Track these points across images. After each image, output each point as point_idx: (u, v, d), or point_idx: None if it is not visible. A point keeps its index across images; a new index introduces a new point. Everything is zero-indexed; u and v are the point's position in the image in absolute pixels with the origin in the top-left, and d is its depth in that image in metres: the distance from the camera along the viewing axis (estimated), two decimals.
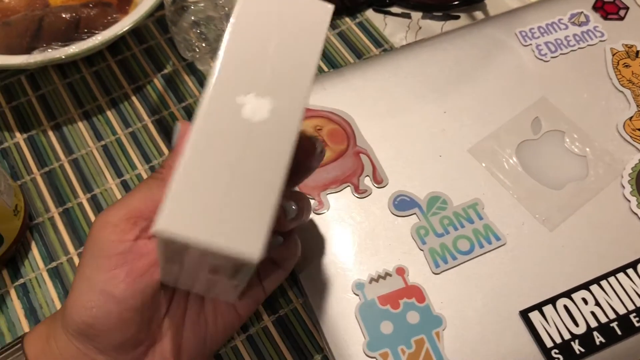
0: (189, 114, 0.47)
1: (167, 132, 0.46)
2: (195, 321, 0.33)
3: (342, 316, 0.35)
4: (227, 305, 0.33)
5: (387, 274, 0.36)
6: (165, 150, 0.45)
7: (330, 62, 0.49)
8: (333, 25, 0.51)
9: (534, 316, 0.35)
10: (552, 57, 0.45)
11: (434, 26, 0.51)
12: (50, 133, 0.46)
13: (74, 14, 0.46)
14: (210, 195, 0.21)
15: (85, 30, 0.46)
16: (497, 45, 0.46)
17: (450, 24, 0.51)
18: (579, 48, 0.45)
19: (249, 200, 0.21)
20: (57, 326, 0.30)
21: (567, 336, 0.34)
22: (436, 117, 0.42)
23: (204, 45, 0.48)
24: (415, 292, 0.36)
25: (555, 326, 0.34)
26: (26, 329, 0.38)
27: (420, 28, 0.51)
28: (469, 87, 0.43)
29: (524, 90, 0.43)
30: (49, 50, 0.44)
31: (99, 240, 0.29)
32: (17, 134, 0.46)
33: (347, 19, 0.52)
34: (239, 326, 0.34)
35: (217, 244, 0.20)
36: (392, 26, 0.51)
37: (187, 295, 0.33)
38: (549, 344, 0.34)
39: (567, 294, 0.35)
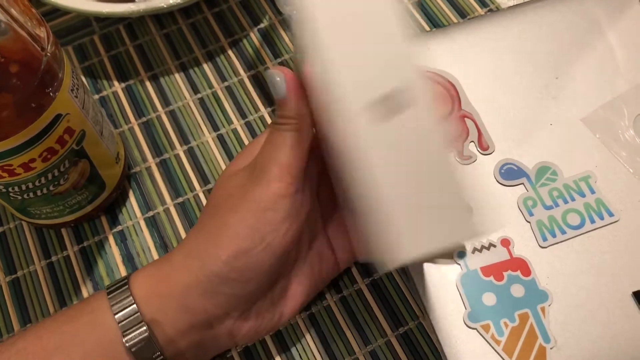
0: None
1: (262, 87, 0.46)
2: (302, 265, 0.34)
3: (442, 285, 0.34)
4: (329, 252, 0.35)
5: (491, 245, 0.35)
6: (261, 106, 0.45)
7: (432, 22, 0.47)
8: None
9: None
10: None
11: None
12: (148, 83, 0.47)
13: None
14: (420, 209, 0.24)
15: None
16: (617, 7, 0.42)
17: None
18: None
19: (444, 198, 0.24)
20: (181, 268, 0.31)
21: None
22: (547, 83, 0.40)
23: None
24: (521, 265, 0.34)
25: None
26: (124, 274, 0.39)
27: None
28: (583, 52, 0.41)
29: None
30: None
31: (264, 191, 0.29)
32: (116, 83, 0.47)
33: None
34: (335, 275, 0.36)
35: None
36: None
37: (304, 238, 0.34)
38: None
39: None
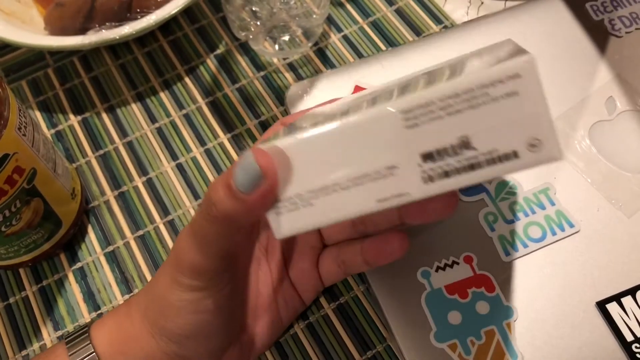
0: (243, 95, 0.46)
1: (221, 114, 0.45)
2: (267, 309, 0.33)
3: (407, 305, 0.34)
4: (293, 291, 0.34)
5: (454, 262, 0.35)
6: (220, 133, 0.44)
7: (388, 41, 0.47)
8: (390, 1, 0.49)
9: (612, 308, 0.33)
10: (626, 32, 0.42)
11: (496, 2, 0.49)
12: (104, 115, 0.46)
13: None
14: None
15: (138, 10, 0.45)
16: (566, 20, 0.43)
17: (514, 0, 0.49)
18: None
19: None
20: (140, 328, 0.30)
21: None
22: None
23: (258, 24, 0.46)
24: (485, 281, 0.34)
25: (635, 319, 0.32)
26: (85, 313, 0.38)
27: (482, 3, 0.49)
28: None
29: (596, 67, 0.41)
30: (103, 31, 0.43)
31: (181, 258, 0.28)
32: (71, 116, 0.46)
33: None
34: (302, 311, 0.35)
35: None
36: (452, 2, 0.49)
37: (260, 284, 0.33)
38: (629, 337, 0.32)
39: None
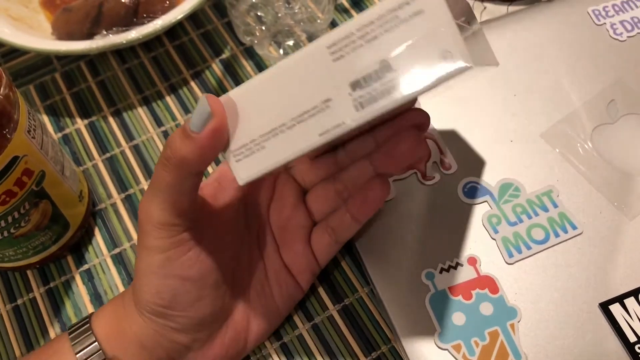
0: None
1: None
2: (260, 292, 0.34)
3: (412, 307, 0.34)
4: (288, 276, 0.35)
5: (458, 264, 0.35)
6: None
7: None
8: None
9: (615, 309, 0.33)
10: (628, 37, 0.42)
11: (498, 7, 0.49)
12: (111, 119, 0.46)
13: None
14: None
15: (144, 15, 0.46)
16: (568, 25, 0.43)
17: (517, 4, 0.49)
18: None
19: None
20: (130, 309, 0.31)
21: None
22: (505, 101, 0.40)
23: (262, 29, 0.47)
24: (489, 283, 0.34)
25: (638, 320, 0.33)
26: None
27: (485, 8, 0.49)
28: (539, 69, 0.42)
29: (598, 72, 0.41)
30: (110, 35, 0.44)
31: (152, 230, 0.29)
32: (78, 120, 0.46)
33: None
34: (301, 298, 0.36)
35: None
36: None
37: (251, 268, 0.34)
38: (632, 338, 0.32)
39: None
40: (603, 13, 0.44)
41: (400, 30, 0.23)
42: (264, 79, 0.26)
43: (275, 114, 0.25)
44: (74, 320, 0.38)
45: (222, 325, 0.32)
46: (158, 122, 0.46)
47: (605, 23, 0.43)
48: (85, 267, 0.40)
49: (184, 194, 0.28)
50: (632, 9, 0.43)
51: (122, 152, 0.45)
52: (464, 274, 0.35)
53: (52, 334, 0.38)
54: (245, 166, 0.26)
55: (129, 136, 0.45)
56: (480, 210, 0.37)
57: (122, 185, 0.43)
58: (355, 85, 0.24)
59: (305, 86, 0.25)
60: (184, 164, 0.27)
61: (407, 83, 0.23)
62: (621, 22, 0.43)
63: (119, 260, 0.40)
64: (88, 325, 0.31)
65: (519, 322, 0.33)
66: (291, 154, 0.26)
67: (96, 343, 0.30)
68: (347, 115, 0.24)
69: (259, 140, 0.26)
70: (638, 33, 0.42)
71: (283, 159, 0.26)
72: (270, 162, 0.26)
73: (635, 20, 0.43)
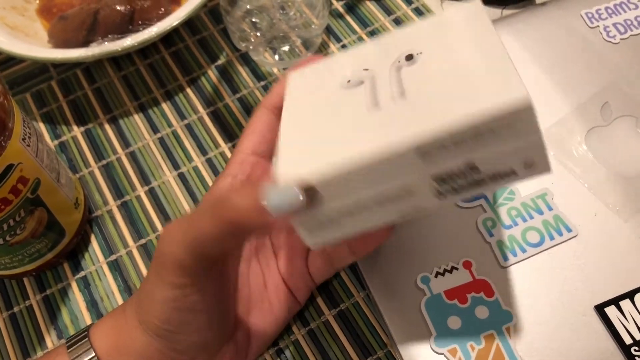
0: (244, 105, 0.47)
1: (222, 123, 0.46)
2: (260, 307, 0.34)
3: (407, 311, 0.34)
4: (286, 291, 0.35)
5: (454, 268, 0.35)
6: (221, 142, 0.45)
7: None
8: (388, 11, 0.50)
9: (611, 311, 0.33)
10: (621, 39, 0.43)
11: (493, 10, 0.49)
12: (107, 126, 0.46)
13: (128, 7, 0.46)
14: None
15: (140, 23, 0.46)
16: (562, 28, 0.44)
17: (511, 8, 0.49)
18: None
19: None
20: (132, 325, 0.30)
21: None
22: None
23: (258, 35, 0.47)
24: (484, 286, 0.34)
25: (634, 322, 0.33)
26: (88, 321, 0.39)
27: None
28: (532, 72, 0.42)
29: (591, 74, 0.41)
30: (105, 43, 0.44)
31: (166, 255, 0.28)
32: (75, 128, 0.47)
33: (402, 3, 0.50)
34: (298, 310, 0.36)
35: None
36: (450, 11, 0.49)
37: (251, 282, 0.34)
38: (627, 340, 0.32)
39: None
40: (596, 16, 0.44)
41: (491, 139, 0.24)
42: (345, 166, 0.25)
43: (355, 197, 0.26)
44: (70, 327, 0.38)
45: (225, 344, 0.32)
46: (154, 129, 0.46)
47: (598, 26, 0.43)
48: (82, 274, 0.40)
49: (221, 246, 0.27)
50: (625, 11, 0.44)
51: (119, 159, 0.45)
52: (459, 278, 0.35)
53: (48, 341, 0.38)
54: (316, 236, 0.27)
55: (125, 143, 0.46)
56: (475, 214, 0.37)
57: (118, 192, 0.43)
58: (439, 179, 0.25)
59: (388, 177, 0.25)
60: (239, 227, 0.25)
61: (490, 181, 0.25)
62: (614, 25, 0.43)
63: (115, 267, 0.40)
64: (87, 339, 0.31)
65: (514, 325, 0.33)
66: (365, 227, 0.27)
67: (95, 357, 0.30)
68: (428, 202, 0.26)
69: (335, 216, 0.26)
70: (631, 35, 0.43)
71: (356, 232, 0.27)
72: (343, 233, 0.27)
73: (628, 22, 0.43)
